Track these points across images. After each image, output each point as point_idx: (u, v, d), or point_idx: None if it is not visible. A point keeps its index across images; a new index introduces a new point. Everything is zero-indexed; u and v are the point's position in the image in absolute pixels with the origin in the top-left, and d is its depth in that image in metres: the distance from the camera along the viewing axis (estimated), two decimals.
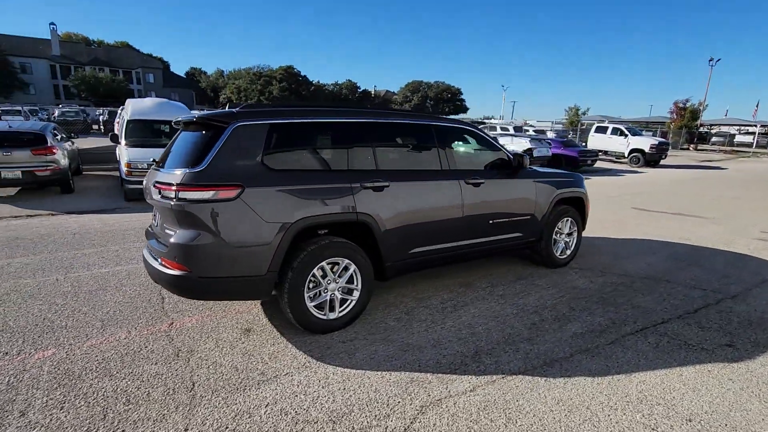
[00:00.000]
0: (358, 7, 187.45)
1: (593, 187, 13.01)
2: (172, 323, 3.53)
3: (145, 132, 10.17)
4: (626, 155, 21.56)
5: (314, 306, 3.28)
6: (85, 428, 2.26)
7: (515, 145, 18.03)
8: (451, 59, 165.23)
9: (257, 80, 61.12)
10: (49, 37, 62.06)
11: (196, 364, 2.90)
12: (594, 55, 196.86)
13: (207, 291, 2.99)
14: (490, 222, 4.32)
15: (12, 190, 9.66)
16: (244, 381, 2.71)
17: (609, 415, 2.41)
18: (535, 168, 5.06)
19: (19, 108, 27.94)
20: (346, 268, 3.40)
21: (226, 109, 3.40)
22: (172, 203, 2.84)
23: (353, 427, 2.29)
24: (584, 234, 6.53)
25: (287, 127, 3.23)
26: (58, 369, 2.82)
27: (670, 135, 36.89)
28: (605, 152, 22.71)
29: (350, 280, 3.45)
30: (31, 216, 7.64)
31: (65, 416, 2.35)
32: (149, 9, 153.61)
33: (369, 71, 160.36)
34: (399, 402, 2.51)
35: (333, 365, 2.91)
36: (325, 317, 3.32)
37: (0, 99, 49.16)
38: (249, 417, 2.36)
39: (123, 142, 9.75)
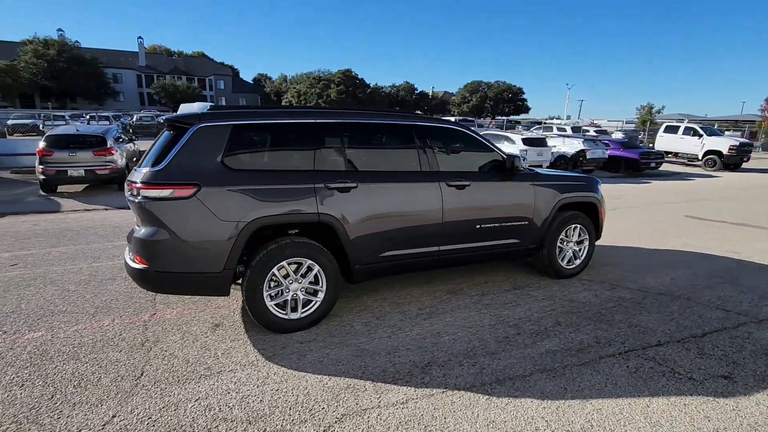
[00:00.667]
0: (416, 7, 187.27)
1: (647, 192, 11.91)
2: (155, 314, 3.74)
3: None
4: (700, 157, 19.49)
5: (275, 305, 3.31)
6: (32, 406, 2.46)
7: (566, 146, 17.05)
8: (514, 57, 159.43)
9: (316, 84, 63.26)
10: (137, 50, 68.81)
11: (154, 355, 3.05)
12: (676, 48, 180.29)
13: (165, 285, 3.14)
14: (478, 227, 4.11)
15: (79, 187, 10.80)
16: (188, 374, 2.81)
17: None
18: (536, 170, 4.73)
19: (107, 114, 31.30)
20: (310, 269, 3.40)
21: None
22: (136, 200, 3.01)
23: (266, 429, 2.28)
24: (612, 243, 6.01)
25: (251, 127, 3.31)
26: (38, 350, 3.10)
27: (761, 135, 32.79)
28: (675, 154, 20.69)
29: (315, 281, 3.45)
30: (87, 210, 8.50)
31: (20, 393, 2.57)
32: (222, 21, 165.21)
33: (428, 73, 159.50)
34: (323, 408, 2.46)
35: (279, 365, 2.93)
36: (286, 317, 3.35)
37: (95, 105, 55.40)
38: (175, 410, 2.44)
39: None
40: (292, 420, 2.36)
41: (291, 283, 3.35)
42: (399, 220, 3.71)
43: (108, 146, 10.31)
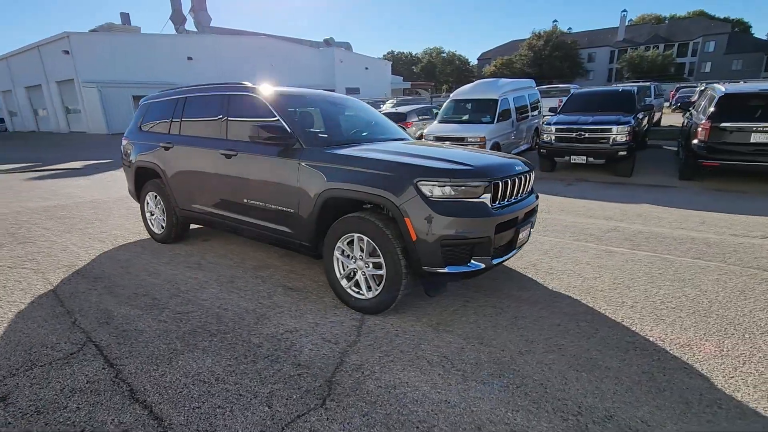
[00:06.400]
0: None
1: None
2: None
3: (455, 110, 12.13)
4: None
5: (152, 219, 5.13)
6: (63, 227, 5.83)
7: None
8: None
9: None
10: (617, 25, 68.21)
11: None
12: None
13: (131, 194, 5.65)
14: (245, 201, 3.87)
15: None
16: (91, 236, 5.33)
17: None
18: (354, 147, 3.41)
19: None
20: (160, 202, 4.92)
21: None
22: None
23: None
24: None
25: (154, 104, 5.06)
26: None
27: None
28: None
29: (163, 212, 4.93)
30: None
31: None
32: None
33: None
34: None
35: (107, 248, 4.87)
36: (154, 231, 5.10)
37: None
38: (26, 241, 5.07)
39: (438, 119, 12.27)
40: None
41: (155, 207, 5.02)
42: (195, 179, 4.35)
43: (407, 121, 13.49)
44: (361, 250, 3.12)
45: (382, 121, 4.60)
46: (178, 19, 36.44)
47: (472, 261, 2.92)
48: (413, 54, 67.79)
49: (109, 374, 2.42)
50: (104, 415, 2.08)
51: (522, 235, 3.26)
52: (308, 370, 2.48)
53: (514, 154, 3.87)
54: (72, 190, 8.90)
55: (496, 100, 11.31)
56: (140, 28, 36.10)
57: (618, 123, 8.99)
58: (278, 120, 3.62)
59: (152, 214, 5.11)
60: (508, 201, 3.12)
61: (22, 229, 5.71)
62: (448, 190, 2.81)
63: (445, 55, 72.08)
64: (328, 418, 2.07)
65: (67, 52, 26.31)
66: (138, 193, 5.28)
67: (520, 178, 3.27)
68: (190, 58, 31.32)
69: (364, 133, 4.34)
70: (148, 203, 5.12)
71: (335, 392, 2.27)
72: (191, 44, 31.86)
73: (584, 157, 9.24)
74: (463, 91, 12.51)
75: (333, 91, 38.53)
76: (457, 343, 2.77)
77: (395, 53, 64.19)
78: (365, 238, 3.05)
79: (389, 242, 2.90)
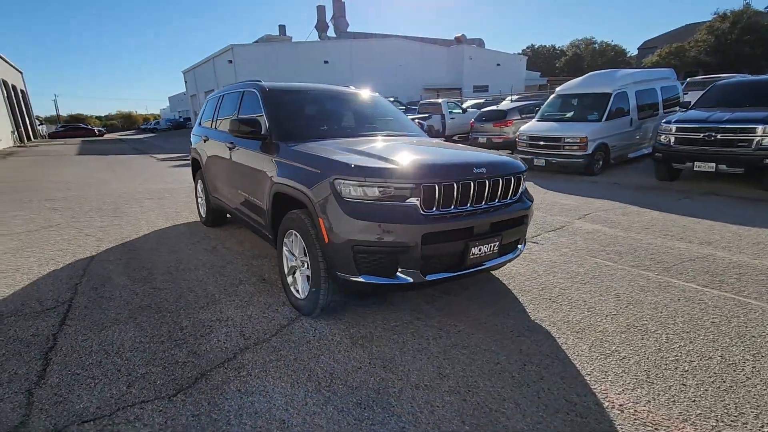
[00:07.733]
0: None
1: None
2: None
3: (560, 107, 10.79)
4: None
5: (201, 204, 5.78)
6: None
7: None
8: None
9: None
10: None
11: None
12: None
13: None
14: (240, 192, 4.06)
15: None
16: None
17: None
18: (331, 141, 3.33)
19: None
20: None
21: None
22: None
23: None
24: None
25: (209, 102, 5.62)
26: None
27: None
28: None
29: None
30: None
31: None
32: None
33: None
34: None
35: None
36: (201, 214, 5.74)
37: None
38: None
39: (537, 117, 11.08)
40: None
41: (202, 193, 5.63)
42: (218, 169, 4.73)
43: (506, 119, 12.57)
44: (298, 247, 3.01)
45: (388, 117, 4.34)
46: (321, 27, 40.16)
47: (398, 273, 2.57)
48: (556, 47, 62.22)
49: (51, 331, 2.82)
50: (11, 365, 2.43)
51: (479, 250, 2.73)
52: (196, 359, 2.50)
53: (508, 155, 3.25)
54: (190, 176, 10.55)
55: (609, 95, 9.70)
56: (291, 37, 40.81)
57: (766, 122, 6.88)
58: (262, 115, 3.70)
59: (201, 199, 5.75)
60: (456, 208, 2.65)
61: (126, 205, 7.00)
62: (367, 190, 2.52)
63: (596, 45, 64.33)
64: (160, 410, 2.05)
65: (230, 62, 31.25)
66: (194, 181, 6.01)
67: (484, 182, 2.74)
68: (326, 62, 34.22)
69: (367, 127, 4.16)
70: (198, 190, 5.78)
71: (195, 387, 2.24)
72: (328, 49, 34.77)
73: (713, 164, 7.32)
74: (571, 85, 11.01)
75: (460, 89, 37.93)
76: (359, 361, 2.47)
77: (535, 47, 59.86)
78: (299, 236, 2.93)
79: (313, 243, 2.73)
